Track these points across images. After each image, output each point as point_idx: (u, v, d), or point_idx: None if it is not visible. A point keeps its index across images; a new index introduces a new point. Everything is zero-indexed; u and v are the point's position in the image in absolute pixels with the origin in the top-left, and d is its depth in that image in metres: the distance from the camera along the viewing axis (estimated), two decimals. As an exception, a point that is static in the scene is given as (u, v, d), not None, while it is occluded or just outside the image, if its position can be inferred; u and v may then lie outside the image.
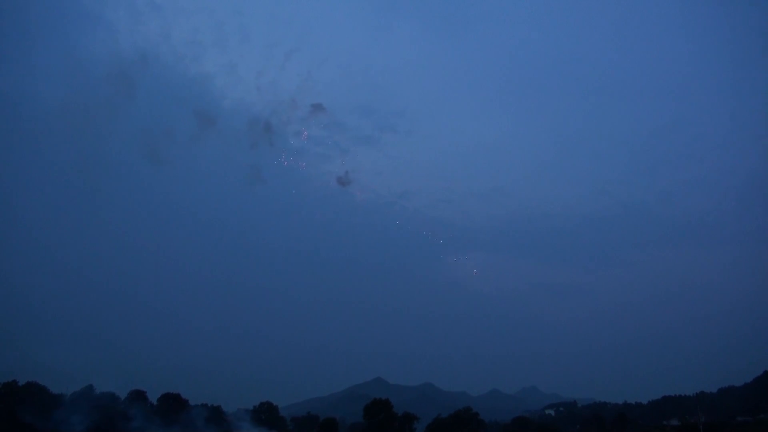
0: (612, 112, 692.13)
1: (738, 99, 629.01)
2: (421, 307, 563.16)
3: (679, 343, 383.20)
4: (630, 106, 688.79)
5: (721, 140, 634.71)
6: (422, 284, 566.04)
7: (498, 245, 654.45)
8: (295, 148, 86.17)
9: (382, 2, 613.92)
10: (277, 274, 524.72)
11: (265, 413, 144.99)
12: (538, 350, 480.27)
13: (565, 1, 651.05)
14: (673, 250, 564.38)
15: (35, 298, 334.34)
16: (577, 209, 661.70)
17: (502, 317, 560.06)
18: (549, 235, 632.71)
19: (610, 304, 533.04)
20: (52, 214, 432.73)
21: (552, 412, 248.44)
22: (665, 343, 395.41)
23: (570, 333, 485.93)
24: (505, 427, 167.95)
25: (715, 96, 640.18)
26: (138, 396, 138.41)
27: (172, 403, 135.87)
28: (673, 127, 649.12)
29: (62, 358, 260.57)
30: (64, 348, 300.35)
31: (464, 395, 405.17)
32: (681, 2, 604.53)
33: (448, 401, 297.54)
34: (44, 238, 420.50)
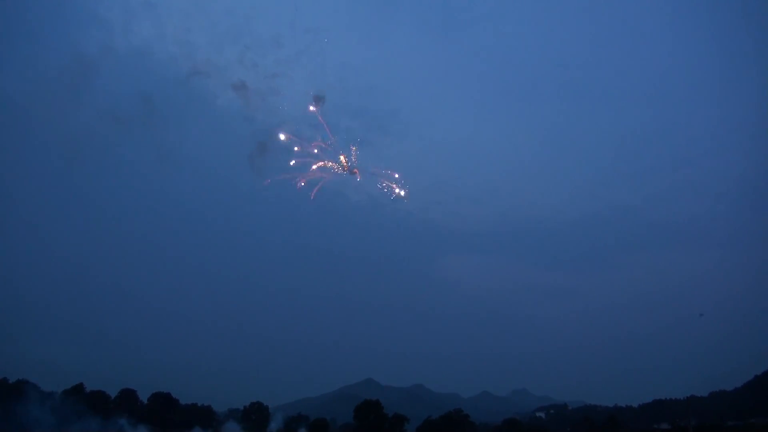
0: (602, 115, 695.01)
1: (730, 103, 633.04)
2: (413, 308, 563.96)
3: (669, 346, 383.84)
4: (620, 110, 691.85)
5: (711, 144, 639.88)
6: (414, 285, 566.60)
7: (488, 247, 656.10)
8: (290, 150, 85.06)
9: (375, 4, 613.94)
10: (268, 274, 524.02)
11: (255, 413, 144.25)
12: (528, 352, 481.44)
13: (557, 3, 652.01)
14: (663, 253, 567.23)
15: (26, 296, 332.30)
16: (567, 212, 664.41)
17: (493, 319, 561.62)
18: (539, 237, 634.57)
19: (601, 306, 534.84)
20: (44, 210, 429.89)
21: (542, 414, 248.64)
22: (656, 346, 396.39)
23: (561, 335, 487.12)
24: (495, 429, 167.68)
25: (707, 100, 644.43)
26: (128, 395, 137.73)
27: (163, 403, 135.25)
28: (664, 130, 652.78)
29: (53, 356, 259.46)
30: (56, 345, 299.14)
31: (455, 397, 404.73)
32: (673, 7, 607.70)
33: (439, 402, 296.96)
34: (35, 234, 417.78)
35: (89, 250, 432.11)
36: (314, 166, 72.99)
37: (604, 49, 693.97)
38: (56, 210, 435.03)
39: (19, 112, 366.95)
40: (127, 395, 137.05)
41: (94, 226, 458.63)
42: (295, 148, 71.58)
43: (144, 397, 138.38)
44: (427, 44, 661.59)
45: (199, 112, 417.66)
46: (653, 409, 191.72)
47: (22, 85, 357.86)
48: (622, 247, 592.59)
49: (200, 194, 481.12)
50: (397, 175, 74.49)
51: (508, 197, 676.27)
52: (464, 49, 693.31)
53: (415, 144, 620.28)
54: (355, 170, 71.73)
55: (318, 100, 71.31)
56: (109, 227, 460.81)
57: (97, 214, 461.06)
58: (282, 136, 72.11)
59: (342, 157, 71.70)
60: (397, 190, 73.97)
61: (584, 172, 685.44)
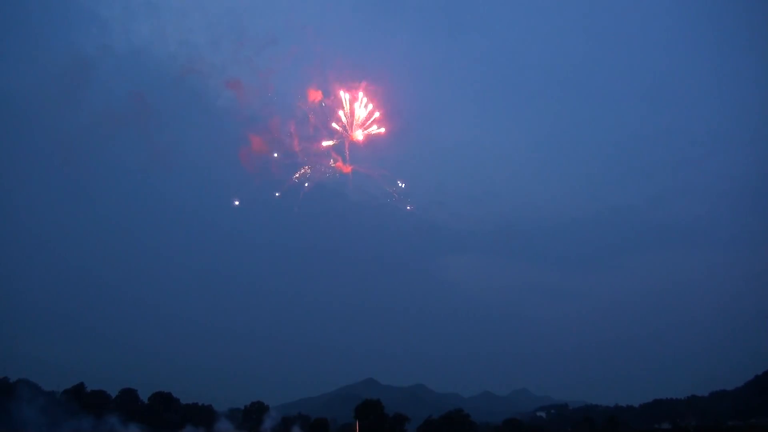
0: (602, 116, 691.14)
1: (730, 103, 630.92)
2: (413, 307, 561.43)
3: (670, 346, 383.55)
4: (620, 110, 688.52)
5: (712, 144, 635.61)
6: (414, 285, 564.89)
7: (489, 247, 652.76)
8: (290, 147, 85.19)
9: (377, 6, 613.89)
10: (269, 273, 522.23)
11: (256, 413, 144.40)
12: (529, 352, 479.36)
13: (559, 3, 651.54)
14: (664, 253, 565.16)
15: (27, 295, 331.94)
16: (567, 212, 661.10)
17: (493, 319, 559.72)
18: (540, 237, 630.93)
19: (601, 306, 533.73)
20: (42, 209, 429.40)
21: (543, 414, 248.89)
22: (657, 346, 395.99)
23: (561, 335, 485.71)
24: (496, 429, 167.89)
25: (707, 100, 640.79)
26: (128, 394, 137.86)
27: (163, 402, 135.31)
28: (664, 130, 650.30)
29: (54, 356, 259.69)
30: (56, 345, 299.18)
31: (455, 396, 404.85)
32: (677, 9, 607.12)
33: (440, 402, 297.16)
34: (35, 232, 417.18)
35: (89, 250, 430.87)
36: (306, 168, 72.93)
37: (604, 50, 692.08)
38: (55, 209, 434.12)
39: (16, 112, 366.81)
40: (128, 395, 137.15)
41: (94, 225, 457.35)
42: (275, 155, 71.42)
43: (144, 396, 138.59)
44: (427, 46, 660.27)
45: (198, 111, 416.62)
46: (654, 409, 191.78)
47: (19, 85, 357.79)
48: (622, 248, 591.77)
49: (199, 194, 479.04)
50: (400, 183, 74.74)
51: (508, 197, 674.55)
52: (465, 51, 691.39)
53: (416, 145, 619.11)
54: (348, 169, 71.85)
55: (315, 98, 71.36)
56: (109, 227, 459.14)
57: (96, 213, 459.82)
58: (275, 136, 72.26)
59: (333, 158, 71.84)
60: (395, 193, 74.19)
61: (585, 173, 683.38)
